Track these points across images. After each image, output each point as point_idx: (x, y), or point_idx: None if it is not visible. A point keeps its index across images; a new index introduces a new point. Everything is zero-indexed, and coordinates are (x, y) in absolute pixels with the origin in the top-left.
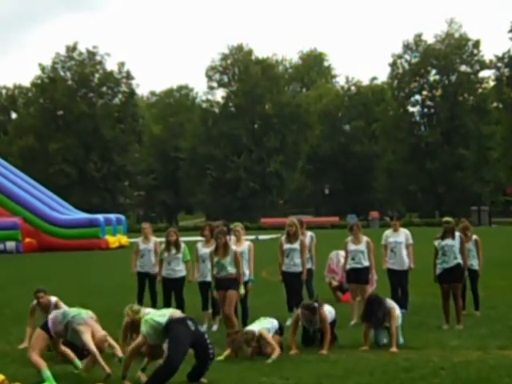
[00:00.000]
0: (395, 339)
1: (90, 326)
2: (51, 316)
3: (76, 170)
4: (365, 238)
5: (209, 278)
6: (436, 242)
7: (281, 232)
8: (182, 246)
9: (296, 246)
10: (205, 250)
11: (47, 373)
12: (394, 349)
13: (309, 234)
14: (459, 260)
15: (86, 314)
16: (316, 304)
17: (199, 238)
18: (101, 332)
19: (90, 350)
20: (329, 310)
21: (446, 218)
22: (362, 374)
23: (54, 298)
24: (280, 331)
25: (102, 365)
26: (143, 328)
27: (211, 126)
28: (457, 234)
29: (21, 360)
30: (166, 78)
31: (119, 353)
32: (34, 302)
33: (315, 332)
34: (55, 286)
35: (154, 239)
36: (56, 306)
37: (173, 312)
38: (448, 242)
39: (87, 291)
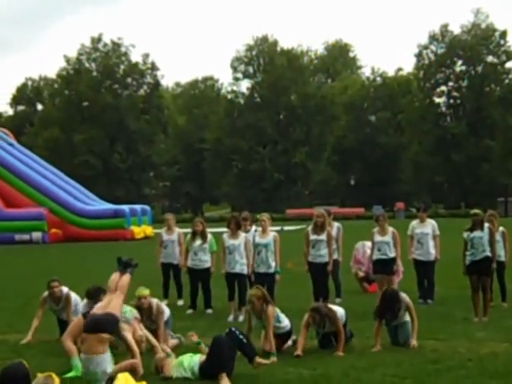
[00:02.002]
0: (416, 332)
1: (132, 326)
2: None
3: (101, 162)
4: (390, 229)
5: (235, 270)
6: (465, 235)
7: (306, 223)
8: (209, 236)
9: (323, 237)
10: (231, 241)
11: (76, 361)
12: (414, 341)
13: (336, 225)
14: (488, 253)
15: (131, 313)
16: (326, 309)
17: (224, 230)
18: (139, 332)
19: (131, 348)
20: (339, 313)
21: (475, 210)
22: (389, 365)
23: (65, 289)
24: (287, 335)
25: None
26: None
27: (236, 117)
28: (486, 225)
29: (46, 351)
30: (191, 69)
31: (159, 352)
32: (46, 293)
33: (328, 335)
34: (81, 277)
35: (177, 230)
36: (67, 297)
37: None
38: (477, 234)
39: None
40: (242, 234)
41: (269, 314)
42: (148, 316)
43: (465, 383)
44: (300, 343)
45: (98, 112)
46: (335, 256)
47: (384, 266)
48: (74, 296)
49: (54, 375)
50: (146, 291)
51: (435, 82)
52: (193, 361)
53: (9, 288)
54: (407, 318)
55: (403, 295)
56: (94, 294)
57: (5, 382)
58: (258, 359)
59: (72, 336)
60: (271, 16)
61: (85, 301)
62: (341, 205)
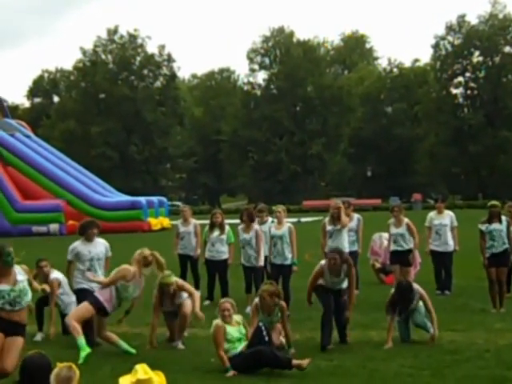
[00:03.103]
0: (435, 323)
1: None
2: (99, 292)
3: (118, 153)
4: (405, 221)
5: (250, 263)
6: (483, 227)
7: (323, 214)
8: (227, 228)
9: (340, 227)
10: (244, 235)
11: (82, 340)
12: (436, 331)
13: (356, 216)
14: (507, 245)
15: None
16: (346, 255)
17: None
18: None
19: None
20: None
21: (493, 202)
22: (406, 356)
23: (54, 274)
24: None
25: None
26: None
27: (252, 109)
28: (503, 218)
29: (61, 342)
30: (207, 61)
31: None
32: (34, 271)
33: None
34: None
35: (193, 221)
36: (51, 283)
37: None
38: (496, 226)
39: None
40: (255, 227)
41: (284, 308)
42: (171, 299)
43: (482, 374)
44: (309, 293)
45: (114, 104)
46: (355, 247)
47: (400, 258)
48: (61, 277)
49: (74, 366)
50: (171, 278)
51: (452, 73)
52: (235, 348)
53: None
54: (420, 303)
55: (416, 286)
56: (84, 229)
57: (28, 370)
58: (295, 362)
59: (77, 317)
60: (287, 7)
61: (78, 241)
62: (357, 196)
